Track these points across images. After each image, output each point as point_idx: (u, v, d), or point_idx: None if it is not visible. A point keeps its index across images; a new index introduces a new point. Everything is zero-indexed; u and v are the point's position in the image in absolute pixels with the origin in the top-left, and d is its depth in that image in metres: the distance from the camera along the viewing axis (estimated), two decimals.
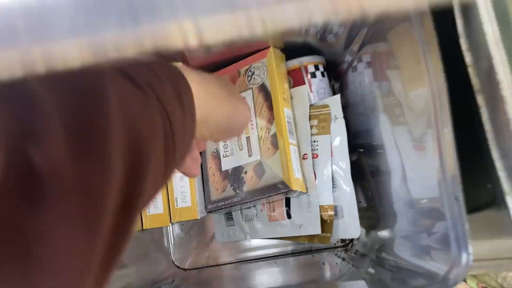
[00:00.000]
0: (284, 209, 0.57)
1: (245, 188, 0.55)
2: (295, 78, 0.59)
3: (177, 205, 0.54)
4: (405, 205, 0.49)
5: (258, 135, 0.55)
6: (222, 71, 0.60)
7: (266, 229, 0.59)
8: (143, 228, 0.53)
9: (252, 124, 0.55)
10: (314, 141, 0.56)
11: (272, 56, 0.55)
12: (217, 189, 0.57)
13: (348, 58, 0.58)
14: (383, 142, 0.52)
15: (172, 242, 0.67)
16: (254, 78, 0.57)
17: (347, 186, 0.55)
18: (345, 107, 0.60)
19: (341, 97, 0.59)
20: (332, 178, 0.55)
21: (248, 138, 0.55)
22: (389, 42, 0.46)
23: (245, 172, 0.55)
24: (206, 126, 0.32)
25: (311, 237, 0.57)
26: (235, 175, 0.56)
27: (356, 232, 0.55)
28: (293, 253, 0.65)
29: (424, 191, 0.45)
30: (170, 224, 0.53)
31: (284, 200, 0.57)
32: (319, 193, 0.55)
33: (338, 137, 0.56)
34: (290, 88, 0.58)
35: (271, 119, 0.54)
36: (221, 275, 0.63)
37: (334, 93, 0.62)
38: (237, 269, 0.64)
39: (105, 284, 0.20)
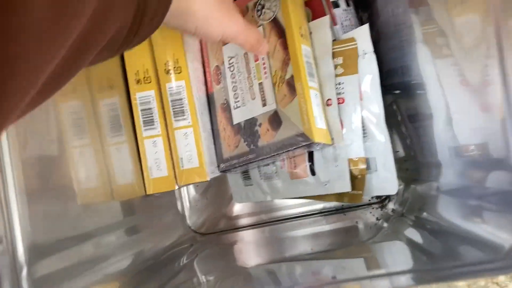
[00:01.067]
0: (307, 164, 0.49)
1: (260, 143, 0.47)
2: (314, 9, 0.49)
3: (182, 166, 0.47)
4: (451, 153, 0.42)
5: (272, 80, 0.46)
6: None
7: (288, 188, 0.51)
8: (147, 193, 0.47)
9: (264, 68, 0.47)
10: (339, 83, 0.47)
11: None
12: (229, 146, 0.50)
13: None
14: (423, 80, 0.45)
15: (188, 206, 0.61)
16: (264, 12, 0.48)
17: (381, 134, 0.46)
18: (376, 41, 0.50)
19: (371, 30, 0.49)
20: (363, 126, 0.47)
21: (260, 84, 0.47)
22: None
23: (259, 125, 0.47)
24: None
25: (339, 196, 0.49)
26: (248, 129, 0.48)
27: (393, 187, 0.47)
28: (321, 212, 0.58)
29: (474, 135, 0.37)
30: (177, 187, 0.47)
31: (307, 154, 0.49)
32: (348, 144, 0.46)
33: (368, 76, 0.46)
34: (309, 21, 0.49)
35: (286, 60, 0.45)
36: (243, 239, 0.58)
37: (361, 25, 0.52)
38: (261, 232, 0.58)
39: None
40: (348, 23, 0.51)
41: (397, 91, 0.51)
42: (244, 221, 0.60)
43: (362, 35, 0.46)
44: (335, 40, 0.48)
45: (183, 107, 0.48)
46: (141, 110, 0.48)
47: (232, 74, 0.50)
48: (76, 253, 0.34)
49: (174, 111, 0.48)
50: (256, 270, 0.46)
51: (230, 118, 0.51)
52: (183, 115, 0.48)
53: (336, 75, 0.47)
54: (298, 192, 0.51)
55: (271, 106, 0.46)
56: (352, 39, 0.47)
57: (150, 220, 0.51)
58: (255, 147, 0.48)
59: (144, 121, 0.47)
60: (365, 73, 0.47)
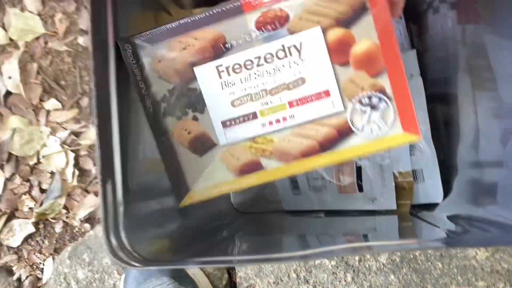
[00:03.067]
0: (355, 181, 0.52)
1: None
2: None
3: None
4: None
5: None
6: None
7: (336, 201, 0.55)
8: None
9: None
10: None
11: None
12: None
13: None
14: (459, 97, 0.48)
15: None
16: None
17: (427, 148, 0.49)
18: (423, 52, 0.53)
19: (419, 41, 0.52)
20: None
21: None
22: None
23: None
24: None
25: (387, 210, 0.53)
26: None
27: (439, 196, 0.50)
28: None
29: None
30: None
31: (355, 171, 0.52)
32: (395, 160, 0.49)
33: (415, 96, 0.49)
34: None
35: None
36: (284, 222, 0.60)
37: (411, 37, 0.55)
38: (303, 220, 0.60)
39: None
40: (398, 34, 0.53)
41: (439, 100, 0.53)
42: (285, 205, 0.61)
43: (410, 59, 0.49)
44: None
45: None
46: None
47: None
48: (149, 205, 0.40)
49: None
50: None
51: None
52: None
53: None
54: (346, 205, 0.54)
55: None
56: None
57: None
58: None
59: None
60: (412, 94, 0.49)
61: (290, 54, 0.36)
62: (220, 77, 0.38)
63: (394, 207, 0.50)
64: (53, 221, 0.69)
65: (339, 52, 0.35)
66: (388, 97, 0.35)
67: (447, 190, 0.51)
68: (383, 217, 0.52)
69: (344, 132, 0.37)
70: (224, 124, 0.39)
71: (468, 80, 0.46)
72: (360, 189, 0.52)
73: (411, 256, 0.56)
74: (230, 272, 0.63)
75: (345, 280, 0.58)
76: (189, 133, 0.40)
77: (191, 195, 0.41)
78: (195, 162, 0.41)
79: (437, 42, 0.52)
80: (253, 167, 0.39)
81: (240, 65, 0.37)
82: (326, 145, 0.37)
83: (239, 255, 0.43)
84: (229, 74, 0.38)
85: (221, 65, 0.38)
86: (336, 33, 0.34)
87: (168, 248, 0.40)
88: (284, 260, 0.36)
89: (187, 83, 0.39)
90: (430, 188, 0.51)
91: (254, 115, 0.39)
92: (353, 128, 0.36)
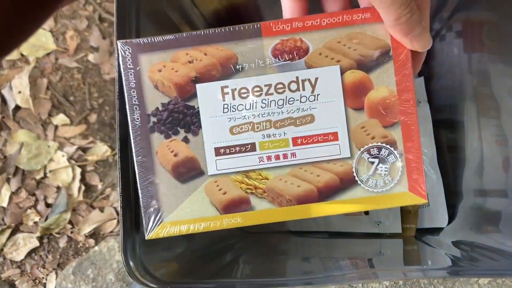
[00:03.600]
0: None
1: None
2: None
3: None
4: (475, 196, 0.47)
5: None
6: None
7: (342, 224, 0.56)
8: None
9: None
10: None
11: None
12: None
13: (436, 25, 0.51)
14: (464, 124, 0.49)
15: None
16: None
17: (433, 173, 0.50)
18: (429, 78, 0.54)
19: (426, 67, 0.52)
20: None
21: None
22: (492, 9, 0.40)
23: None
24: None
25: (392, 233, 0.53)
26: None
27: (444, 220, 0.51)
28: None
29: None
30: None
31: None
32: None
33: (423, 122, 0.50)
34: None
35: None
36: (289, 243, 0.60)
37: None
38: (307, 241, 0.61)
39: None
40: None
41: (444, 126, 0.54)
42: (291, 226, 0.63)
43: (419, 87, 0.50)
44: None
45: None
46: None
47: None
48: None
49: None
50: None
51: None
52: None
53: None
54: (351, 227, 0.54)
55: None
56: None
57: None
58: None
59: None
60: (420, 120, 0.50)
61: (303, 88, 0.35)
62: (224, 99, 0.36)
63: (399, 230, 0.50)
64: (57, 235, 0.70)
65: (354, 95, 0.34)
66: (399, 152, 0.34)
67: (452, 215, 0.51)
68: (388, 240, 0.53)
69: (347, 181, 0.34)
70: (218, 151, 0.36)
71: (474, 107, 0.47)
72: (366, 212, 0.53)
73: (414, 279, 0.56)
74: None
75: None
76: (175, 155, 0.37)
77: (162, 227, 0.36)
78: (175, 190, 0.37)
79: (444, 69, 0.53)
80: (241, 204, 0.36)
81: (248, 90, 0.36)
82: (326, 192, 0.35)
83: (243, 278, 0.43)
84: (234, 98, 0.36)
85: (227, 86, 0.36)
86: (355, 75, 0.34)
87: (178, 271, 0.40)
88: (288, 285, 0.36)
89: (185, 100, 0.37)
90: (435, 212, 0.51)
91: (253, 147, 0.36)
92: (357, 178, 0.34)
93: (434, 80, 0.55)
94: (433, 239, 0.52)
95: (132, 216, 0.35)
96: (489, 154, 0.45)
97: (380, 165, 0.34)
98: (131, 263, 0.34)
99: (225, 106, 0.36)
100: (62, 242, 0.69)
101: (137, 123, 0.37)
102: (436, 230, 0.55)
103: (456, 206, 0.51)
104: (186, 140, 0.37)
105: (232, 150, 0.36)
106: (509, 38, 0.41)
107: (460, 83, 0.50)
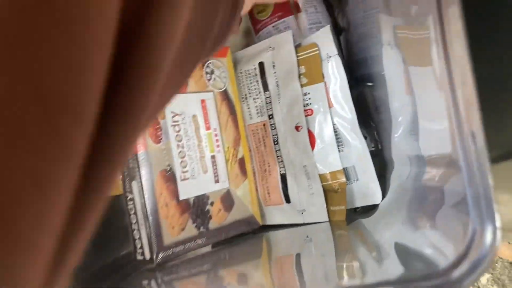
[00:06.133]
0: (281, 190, 0.45)
1: (212, 225, 0.41)
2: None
3: None
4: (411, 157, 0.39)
5: (225, 156, 0.43)
6: None
7: (264, 216, 0.47)
8: None
9: (217, 140, 0.42)
10: (305, 94, 0.43)
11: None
12: (174, 227, 0.40)
13: None
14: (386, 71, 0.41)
15: None
16: (214, 79, 0.43)
17: (356, 140, 0.43)
18: (345, 29, 0.46)
19: (341, 16, 0.44)
20: (336, 134, 0.43)
21: (213, 157, 0.42)
22: None
23: (211, 203, 0.41)
24: None
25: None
26: (198, 207, 0.41)
27: (377, 196, 0.44)
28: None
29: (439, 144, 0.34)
30: None
31: (280, 177, 0.45)
32: (323, 159, 0.42)
33: (336, 81, 0.42)
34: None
35: (237, 139, 0.43)
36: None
37: (329, 12, 0.47)
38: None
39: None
40: (313, 10, 0.46)
41: (367, 83, 0.47)
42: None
43: (325, 38, 0.42)
44: (299, 46, 0.43)
45: None
46: None
47: (177, 135, 0.41)
48: None
49: None
50: None
51: (175, 192, 0.40)
52: None
53: (302, 85, 0.42)
54: (275, 219, 0.46)
55: (224, 184, 0.42)
56: (313, 45, 0.42)
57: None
58: (205, 230, 0.41)
59: None
60: (332, 78, 0.42)
61: None
62: None
63: (326, 219, 0.42)
64: None
65: None
66: None
67: (385, 189, 0.44)
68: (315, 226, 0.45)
69: None
70: None
71: (398, 55, 0.39)
72: (288, 200, 0.45)
73: None
74: None
75: None
76: None
77: None
78: None
79: (359, 16, 0.45)
80: None
81: None
82: None
83: None
84: None
85: None
86: None
87: None
88: None
89: None
90: (366, 187, 0.44)
91: None
92: None
93: (351, 31, 0.47)
94: (369, 222, 0.45)
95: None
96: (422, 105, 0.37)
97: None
98: None
99: None
100: None
101: None
102: (371, 209, 0.48)
103: (388, 178, 0.44)
104: None
105: None
106: None
107: (378, 28, 0.42)
